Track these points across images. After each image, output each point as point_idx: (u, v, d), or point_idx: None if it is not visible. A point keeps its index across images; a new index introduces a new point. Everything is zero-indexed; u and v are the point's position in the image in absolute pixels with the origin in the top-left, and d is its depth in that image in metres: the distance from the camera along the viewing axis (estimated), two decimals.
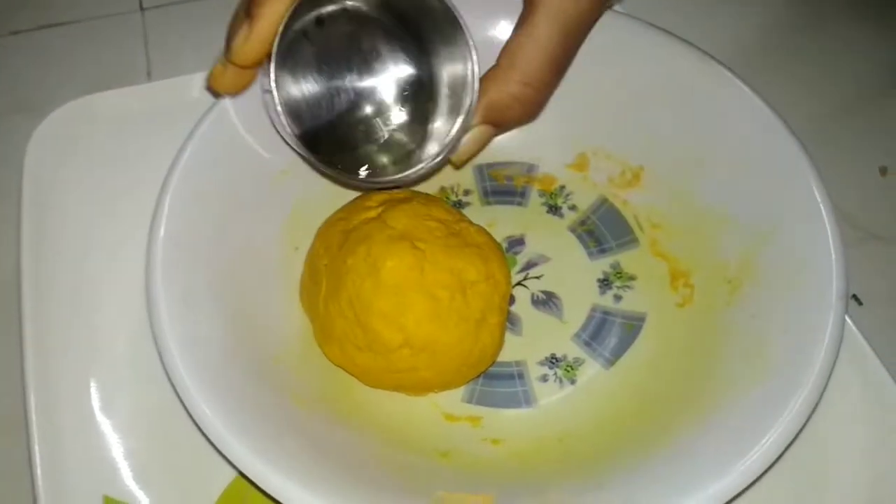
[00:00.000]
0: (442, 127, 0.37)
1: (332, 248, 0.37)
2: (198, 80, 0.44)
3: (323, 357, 0.37)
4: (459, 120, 0.36)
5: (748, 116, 0.38)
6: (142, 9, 0.51)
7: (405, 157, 0.38)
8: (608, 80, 0.41)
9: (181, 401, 0.32)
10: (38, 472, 0.35)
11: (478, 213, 0.42)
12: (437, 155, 0.36)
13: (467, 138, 0.36)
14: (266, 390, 0.34)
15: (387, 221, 0.36)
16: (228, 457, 0.31)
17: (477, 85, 0.35)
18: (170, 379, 0.32)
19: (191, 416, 0.31)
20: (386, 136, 0.38)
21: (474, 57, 0.35)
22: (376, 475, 0.32)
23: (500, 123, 0.37)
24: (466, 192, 0.43)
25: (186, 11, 0.50)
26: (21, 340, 0.38)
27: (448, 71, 0.36)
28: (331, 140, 0.37)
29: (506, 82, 0.35)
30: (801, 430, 0.31)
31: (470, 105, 0.35)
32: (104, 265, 0.41)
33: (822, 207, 0.35)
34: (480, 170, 0.43)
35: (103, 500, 0.36)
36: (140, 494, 0.36)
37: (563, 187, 0.43)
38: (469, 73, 0.35)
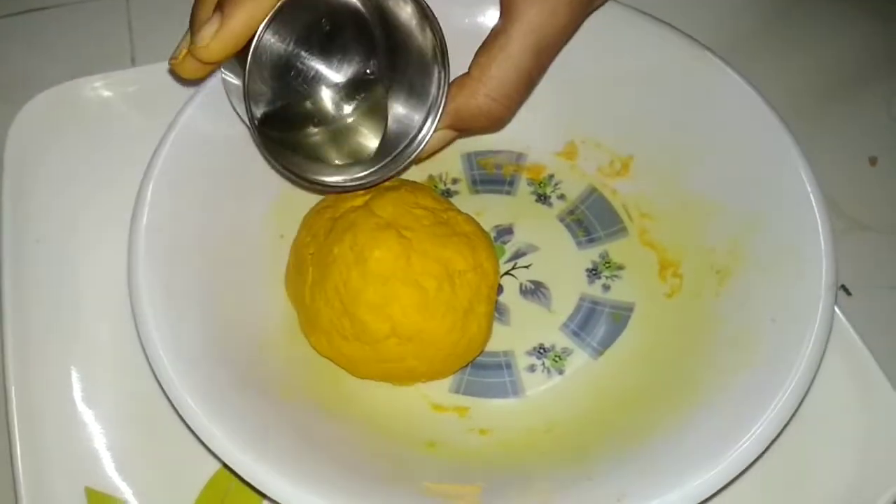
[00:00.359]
0: (401, 128, 0.37)
1: (319, 237, 0.36)
2: None
3: (309, 347, 0.37)
4: (425, 127, 0.36)
5: (738, 105, 0.37)
6: None
7: (359, 153, 0.37)
8: (597, 69, 0.40)
9: (164, 392, 0.31)
10: (19, 463, 0.35)
11: (466, 201, 0.42)
12: (397, 160, 0.36)
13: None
14: (251, 381, 0.33)
15: (373, 210, 0.36)
16: (212, 448, 0.30)
17: (445, 92, 0.35)
18: (153, 370, 0.32)
19: (174, 407, 0.31)
20: (342, 124, 0.38)
21: (447, 63, 0.35)
22: (362, 465, 0.32)
23: (463, 130, 0.37)
24: (454, 181, 0.42)
25: None
26: (1, 330, 0.37)
27: (417, 71, 0.36)
28: (284, 120, 0.36)
29: (474, 94, 0.35)
30: (790, 420, 0.30)
31: (437, 113, 0.36)
32: (86, 253, 0.40)
33: (811, 196, 0.35)
34: (469, 158, 0.43)
35: (85, 491, 0.35)
36: (122, 486, 0.36)
37: (551, 176, 0.42)
38: (437, 79, 0.35)
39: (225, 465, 0.31)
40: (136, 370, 0.37)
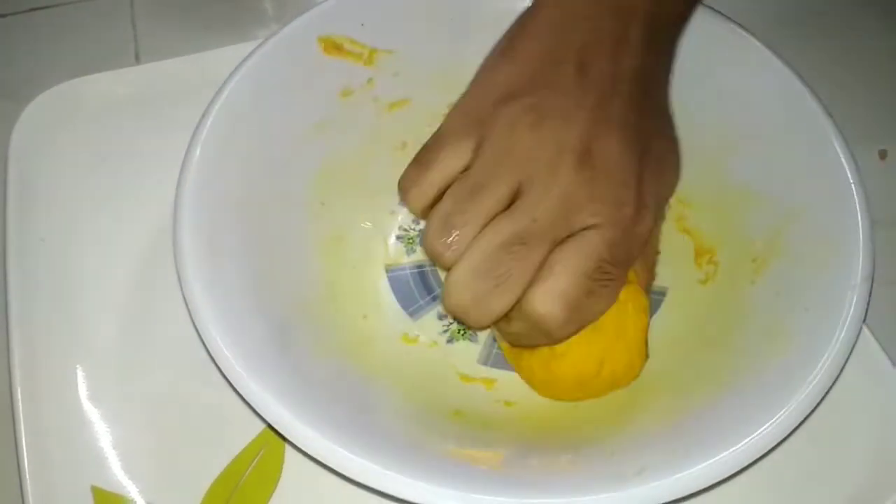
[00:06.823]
0: None
1: None
2: (187, 63, 0.43)
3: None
4: None
5: (779, 91, 0.37)
6: None
7: None
8: None
9: (204, 345, 0.31)
10: (26, 463, 0.35)
11: None
12: None
13: None
14: (287, 338, 0.33)
15: None
16: (253, 405, 0.30)
17: None
18: (194, 324, 0.31)
19: (216, 363, 0.31)
20: None
21: None
22: (390, 426, 0.32)
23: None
24: None
25: None
26: (7, 329, 0.37)
27: None
28: None
29: None
30: (815, 408, 0.30)
31: None
32: (91, 252, 0.40)
33: (853, 187, 0.34)
34: None
35: (91, 490, 0.35)
36: (129, 484, 0.36)
37: None
38: None
39: (267, 424, 0.30)
40: (142, 368, 0.37)
